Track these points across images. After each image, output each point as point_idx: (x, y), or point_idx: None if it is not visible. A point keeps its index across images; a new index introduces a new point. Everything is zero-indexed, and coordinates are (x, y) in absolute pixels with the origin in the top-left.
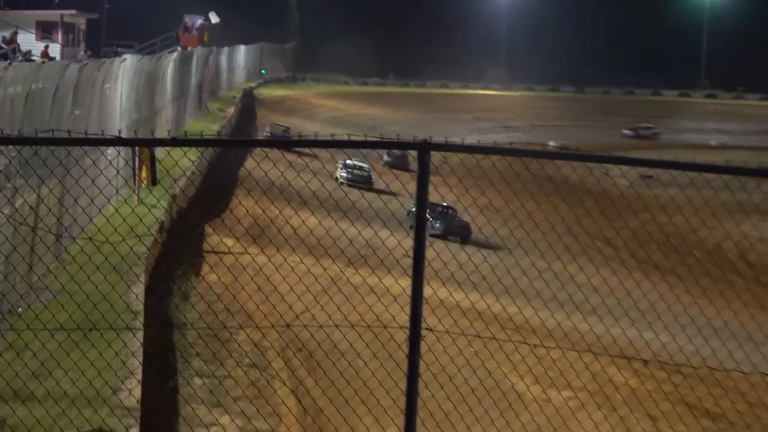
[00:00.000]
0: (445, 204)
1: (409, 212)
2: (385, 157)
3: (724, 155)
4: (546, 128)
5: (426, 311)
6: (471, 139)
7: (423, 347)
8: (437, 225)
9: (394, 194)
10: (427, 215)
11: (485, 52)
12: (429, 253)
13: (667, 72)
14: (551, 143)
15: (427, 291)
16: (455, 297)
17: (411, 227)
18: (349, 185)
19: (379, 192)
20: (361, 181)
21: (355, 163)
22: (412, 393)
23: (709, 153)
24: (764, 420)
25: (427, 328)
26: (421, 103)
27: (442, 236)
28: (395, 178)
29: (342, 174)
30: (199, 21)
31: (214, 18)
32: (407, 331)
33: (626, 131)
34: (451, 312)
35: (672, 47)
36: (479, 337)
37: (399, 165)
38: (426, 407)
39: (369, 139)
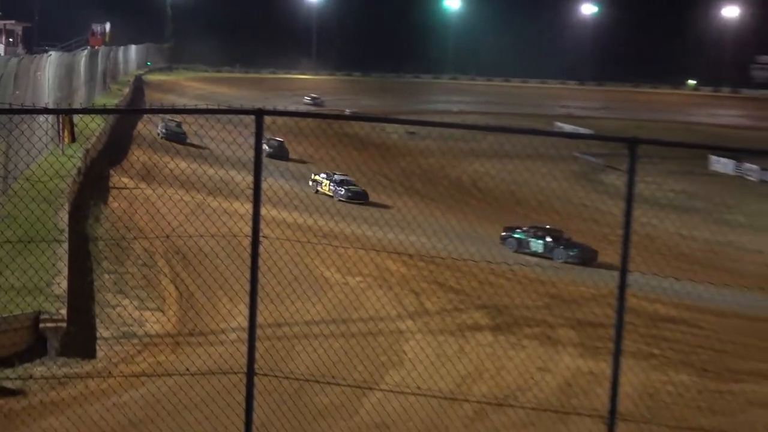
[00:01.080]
0: (547, 226)
1: (506, 238)
2: (266, 148)
3: (462, 118)
4: (339, 101)
5: (263, 224)
6: (292, 109)
7: (261, 249)
8: (572, 253)
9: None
10: (552, 242)
11: (300, 46)
12: (263, 185)
13: (423, 60)
14: (347, 110)
15: (263, 211)
16: (282, 215)
17: (515, 251)
18: (348, 202)
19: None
20: (359, 197)
21: (343, 178)
22: (254, 280)
23: (452, 116)
24: (489, 292)
25: (263, 236)
26: (258, 85)
27: (580, 263)
28: (276, 169)
29: (339, 192)
30: (99, 27)
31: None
32: (250, 238)
33: (306, 99)
34: (279, 225)
35: (428, 42)
36: (299, 241)
37: (278, 155)
38: (264, 290)
39: (220, 107)
